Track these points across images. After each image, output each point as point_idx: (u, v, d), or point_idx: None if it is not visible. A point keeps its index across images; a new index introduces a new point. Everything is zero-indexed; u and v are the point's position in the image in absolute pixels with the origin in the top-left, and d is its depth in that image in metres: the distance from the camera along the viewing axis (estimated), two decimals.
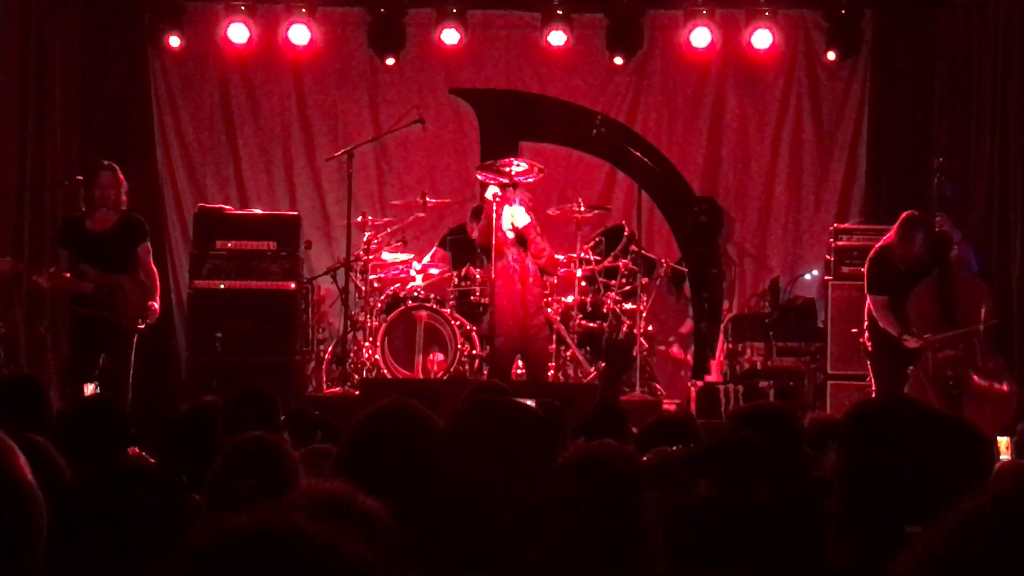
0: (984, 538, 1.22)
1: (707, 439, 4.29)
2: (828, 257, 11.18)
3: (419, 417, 3.09)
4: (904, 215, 9.42)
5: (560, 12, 12.19)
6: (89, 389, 8.99)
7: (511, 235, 10.26)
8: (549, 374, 10.67)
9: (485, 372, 10.38)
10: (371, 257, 10.94)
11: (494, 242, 10.17)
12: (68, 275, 9.28)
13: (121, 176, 9.50)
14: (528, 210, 10.44)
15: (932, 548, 1.25)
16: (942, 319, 9.25)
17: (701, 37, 12.15)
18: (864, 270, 9.61)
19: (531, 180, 10.93)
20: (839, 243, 11.04)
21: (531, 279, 10.36)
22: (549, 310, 10.73)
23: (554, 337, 10.82)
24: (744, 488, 2.15)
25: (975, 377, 9.27)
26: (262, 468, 3.35)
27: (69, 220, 9.63)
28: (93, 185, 9.42)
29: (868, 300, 9.51)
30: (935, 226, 9.47)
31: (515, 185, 10.47)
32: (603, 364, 10.95)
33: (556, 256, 10.69)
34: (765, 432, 3.53)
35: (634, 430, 5.49)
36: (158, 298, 9.52)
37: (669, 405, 10.77)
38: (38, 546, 1.92)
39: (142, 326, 9.42)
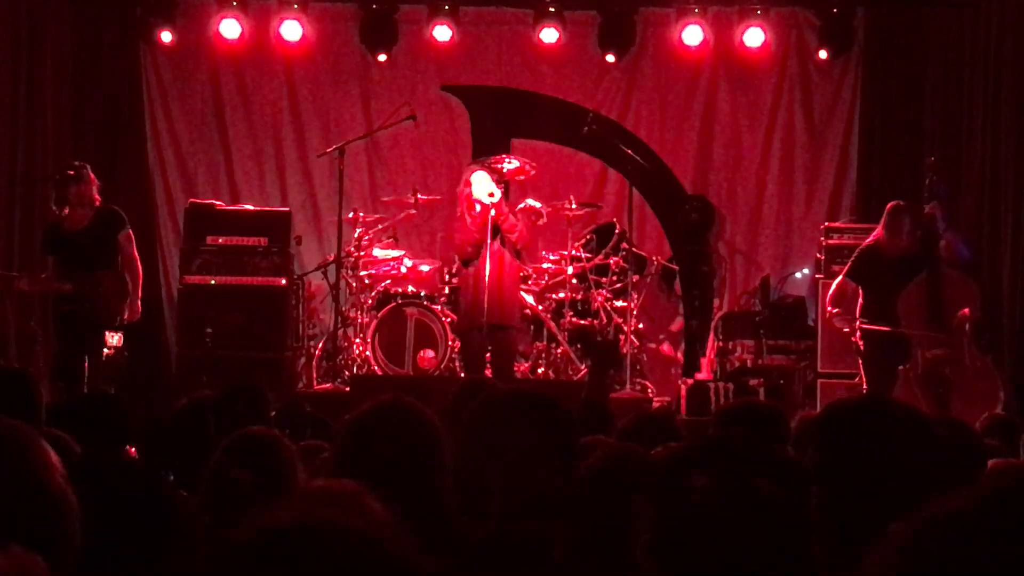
0: (970, 537, 1.19)
1: (692, 436, 4.30)
2: (819, 255, 11.21)
3: (416, 413, 3.09)
4: (890, 205, 9.51)
5: (552, 9, 12.19)
6: (114, 339, 9.26)
7: (489, 201, 9.56)
8: (539, 371, 10.65)
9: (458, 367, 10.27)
10: (362, 253, 10.94)
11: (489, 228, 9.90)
12: (48, 277, 9.39)
13: (92, 175, 9.57)
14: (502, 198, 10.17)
15: (912, 542, 1.23)
16: (931, 318, 9.29)
17: (693, 35, 12.15)
18: (852, 257, 9.69)
19: (522, 177, 10.91)
20: (830, 241, 11.07)
21: (506, 268, 9.89)
22: (540, 307, 10.68)
23: (545, 333, 10.81)
24: (741, 479, 2.15)
25: (963, 376, 9.30)
26: (261, 464, 3.34)
27: (50, 227, 9.69)
28: (73, 184, 9.42)
29: (838, 278, 9.58)
30: (923, 217, 9.54)
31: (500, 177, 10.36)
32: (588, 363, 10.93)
33: (527, 233, 10.03)
34: (751, 429, 3.54)
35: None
36: (140, 292, 9.54)
37: (659, 403, 10.78)
38: (73, 548, 1.90)
39: (127, 316, 9.42)
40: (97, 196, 9.53)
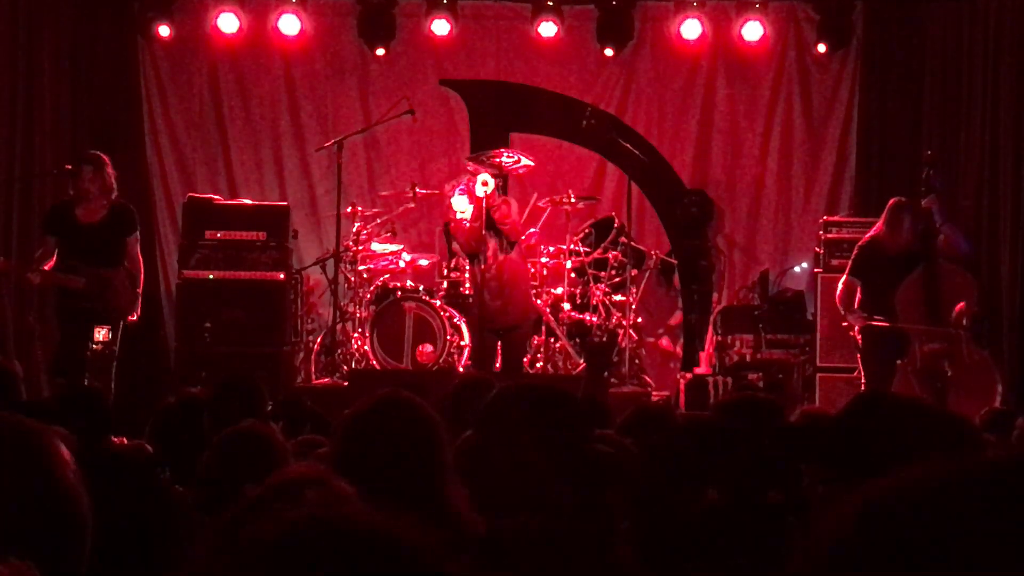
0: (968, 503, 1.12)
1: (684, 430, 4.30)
2: (818, 250, 11.20)
3: (414, 408, 3.09)
4: (892, 201, 9.51)
5: (550, 3, 12.18)
6: (101, 334, 9.09)
7: (483, 191, 9.75)
8: (538, 366, 10.65)
9: (466, 363, 10.31)
10: (360, 248, 10.93)
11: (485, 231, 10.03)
12: (56, 269, 9.27)
13: (107, 167, 9.44)
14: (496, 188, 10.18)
15: (893, 499, 1.14)
16: (928, 313, 9.30)
17: (691, 29, 12.15)
18: (852, 255, 9.69)
19: (521, 171, 10.90)
20: (829, 235, 11.06)
21: (512, 269, 9.99)
22: (538, 301, 10.67)
23: (543, 328, 10.80)
24: (755, 494, 2.15)
25: (960, 370, 9.31)
26: (254, 460, 3.34)
27: (58, 207, 9.58)
28: (76, 178, 9.39)
29: (843, 278, 9.57)
30: (921, 210, 9.55)
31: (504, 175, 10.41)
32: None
33: (520, 223, 10.25)
34: (750, 423, 3.54)
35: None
36: (141, 290, 9.51)
37: (658, 397, 10.77)
38: (83, 545, 1.89)
39: (133, 318, 9.40)
40: (113, 184, 9.43)
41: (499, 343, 10.19)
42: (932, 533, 1.07)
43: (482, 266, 9.89)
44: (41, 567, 1.76)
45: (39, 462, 1.87)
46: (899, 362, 9.30)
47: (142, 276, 9.56)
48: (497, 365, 10.23)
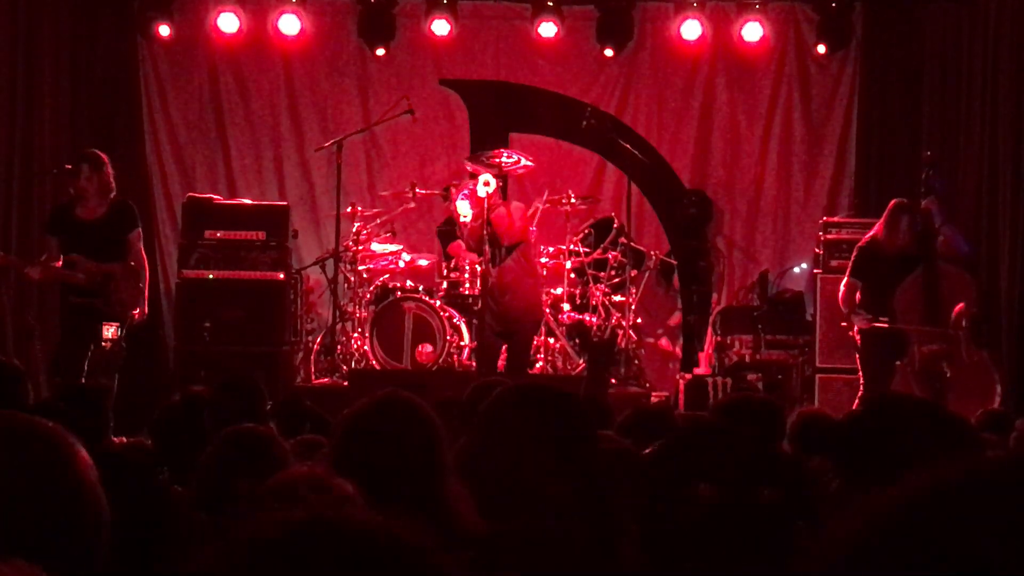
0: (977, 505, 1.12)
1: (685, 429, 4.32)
2: (817, 250, 11.21)
3: (413, 408, 3.10)
4: (892, 202, 9.53)
5: (550, 3, 12.18)
6: (110, 332, 9.06)
7: (485, 191, 9.86)
8: (537, 366, 10.67)
9: (473, 364, 10.35)
10: (360, 248, 10.94)
11: (486, 232, 10.08)
12: (59, 264, 9.22)
13: (106, 166, 9.39)
14: (497, 188, 10.23)
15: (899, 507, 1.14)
16: (927, 314, 9.31)
17: (691, 29, 12.16)
18: (851, 256, 9.70)
19: (520, 171, 10.91)
20: (828, 236, 11.07)
21: (517, 274, 10.10)
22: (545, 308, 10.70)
23: (543, 328, 10.81)
24: (747, 489, 2.15)
25: (959, 371, 9.32)
26: (253, 460, 3.34)
27: (59, 208, 9.57)
28: (75, 177, 9.37)
29: (845, 279, 9.57)
30: (921, 211, 9.56)
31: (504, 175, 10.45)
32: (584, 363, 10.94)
33: (516, 227, 10.19)
34: (748, 424, 3.54)
35: None
36: (146, 287, 9.49)
37: (658, 398, 10.77)
38: (102, 545, 1.89)
39: (136, 313, 9.36)
40: (112, 183, 9.41)
41: (504, 345, 10.28)
42: (947, 537, 1.07)
43: (483, 268, 9.94)
44: (60, 568, 1.76)
45: (64, 465, 1.87)
46: (898, 363, 9.31)
47: (147, 272, 9.52)
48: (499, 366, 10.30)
